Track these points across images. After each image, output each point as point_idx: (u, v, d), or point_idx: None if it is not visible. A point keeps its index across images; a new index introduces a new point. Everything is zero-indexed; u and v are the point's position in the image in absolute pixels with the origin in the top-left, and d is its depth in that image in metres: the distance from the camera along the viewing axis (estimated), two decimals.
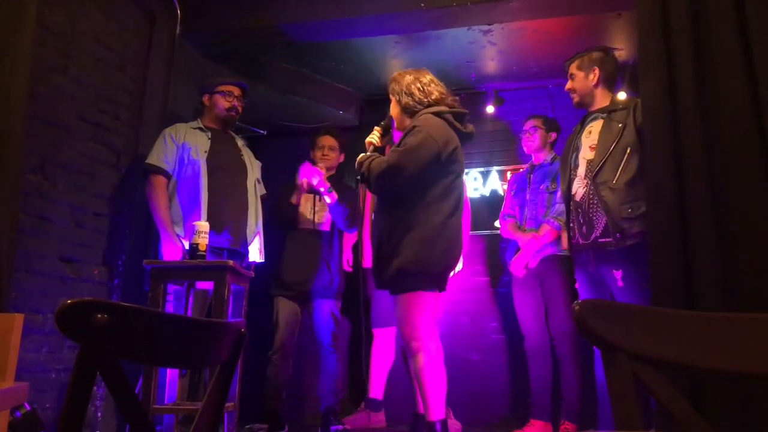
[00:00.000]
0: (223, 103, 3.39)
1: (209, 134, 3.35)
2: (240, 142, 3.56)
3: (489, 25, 3.73)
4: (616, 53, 3.59)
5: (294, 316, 3.71)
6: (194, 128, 3.36)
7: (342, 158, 4.02)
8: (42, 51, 2.84)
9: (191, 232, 2.93)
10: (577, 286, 3.00)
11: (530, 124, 3.85)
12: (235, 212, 3.29)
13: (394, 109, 2.87)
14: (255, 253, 3.44)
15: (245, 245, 3.36)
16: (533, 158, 3.86)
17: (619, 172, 2.74)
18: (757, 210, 2.04)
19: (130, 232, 3.39)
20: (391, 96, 2.87)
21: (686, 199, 2.17)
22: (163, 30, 3.73)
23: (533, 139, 3.80)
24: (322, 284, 3.73)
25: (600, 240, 2.75)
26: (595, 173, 2.80)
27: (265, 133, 5.03)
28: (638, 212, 2.68)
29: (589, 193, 2.82)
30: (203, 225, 2.87)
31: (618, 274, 2.69)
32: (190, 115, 3.99)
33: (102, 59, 3.30)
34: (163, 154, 3.22)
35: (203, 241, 2.84)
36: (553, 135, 3.84)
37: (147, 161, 3.22)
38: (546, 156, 3.80)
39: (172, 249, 3.09)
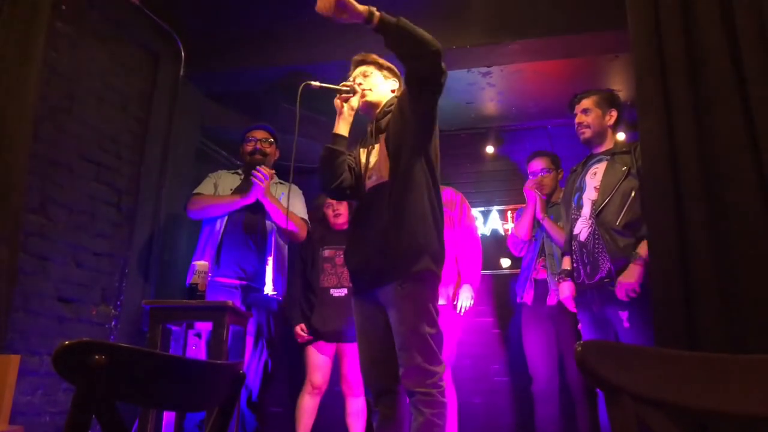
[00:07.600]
0: (246, 147, 3.66)
1: (243, 176, 3.64)
2: (273, 180, 3.64)
3: (488, 67, 3.79)
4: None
5: None
6: (232, 173, 3.70)
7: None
8: (47, 91, 2.88)
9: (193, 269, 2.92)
10: (580, 326, 2.96)
11: (539, 165, 3.69)
12: (248, 250, 3.43)
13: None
14: (269, 285, 3.50)
15: (259, 281, 3.43)
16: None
17: (621, 215, 2.73)
18: (757, 247, 2.04)
19: (129, 272, 3.37)
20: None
21: (686, 240, 2.16)
22: (166, 70, 3.79)
23: (547, 181, 3.66)
24: None
25: (606, 281, 2.73)
26: (597, 213, 2.80)
27: None
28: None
29: (594, 234, 2.80)
30: (202, 265, 2.86)
31: (624, 314, 2.66)
32: (192, 154, 4.03)
33: (106, 99, 3.34)
34: (204, 188, 3.56)
35: (202, 281, 2.82)
36: (562, 173, 3.74)
37: (193, 193, 3.55)
38: (558, 195, 3.64)
39: (257, 191, 3.36)
